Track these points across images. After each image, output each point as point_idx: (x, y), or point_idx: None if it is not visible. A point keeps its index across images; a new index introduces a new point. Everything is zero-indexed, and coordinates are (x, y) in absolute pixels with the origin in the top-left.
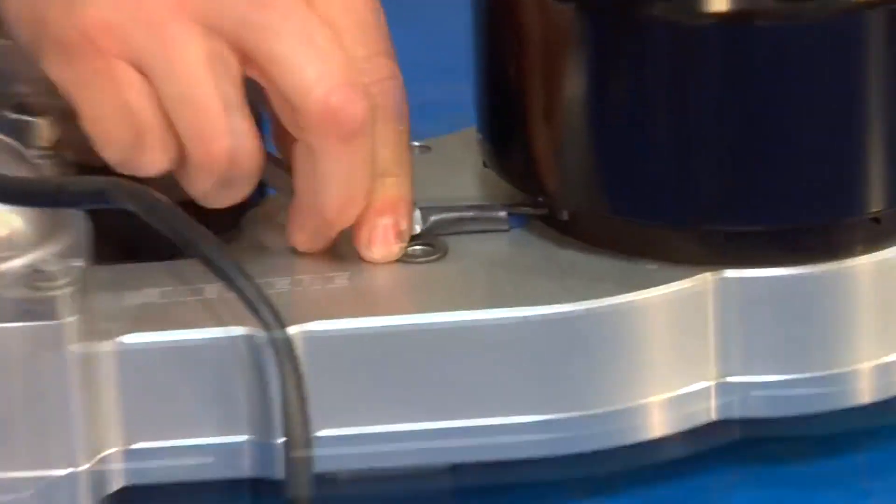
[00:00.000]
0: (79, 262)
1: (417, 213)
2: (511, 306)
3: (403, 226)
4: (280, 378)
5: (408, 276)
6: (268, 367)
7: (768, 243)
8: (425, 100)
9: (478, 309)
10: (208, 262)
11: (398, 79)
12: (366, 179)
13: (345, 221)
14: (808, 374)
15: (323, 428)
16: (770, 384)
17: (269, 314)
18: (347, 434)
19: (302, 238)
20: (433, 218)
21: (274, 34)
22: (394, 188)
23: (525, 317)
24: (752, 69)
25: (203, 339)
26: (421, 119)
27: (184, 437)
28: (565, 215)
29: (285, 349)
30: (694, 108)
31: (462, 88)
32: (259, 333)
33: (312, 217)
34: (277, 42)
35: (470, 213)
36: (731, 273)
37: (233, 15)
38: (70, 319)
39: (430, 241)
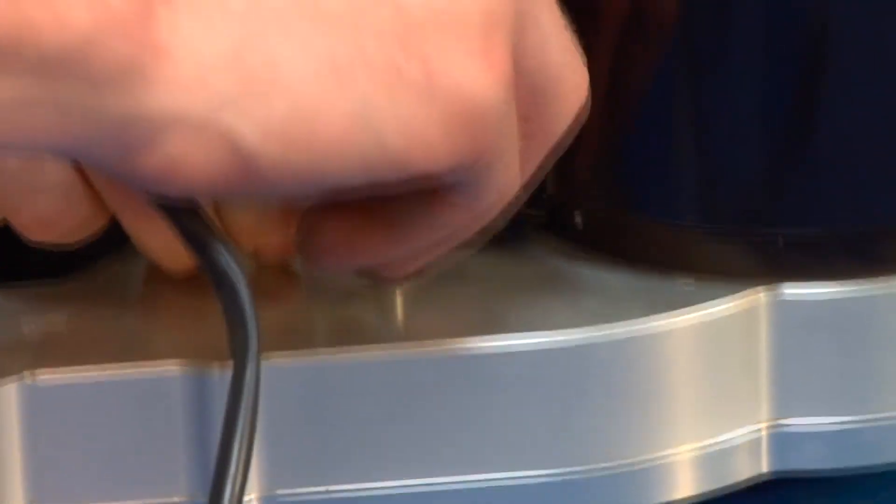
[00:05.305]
0: None
1: None
2: (506, 334)
3: None
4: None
5: (370, 299)
6: (216, 412)
7: (839, 252)
8: None
9: (462, 339)
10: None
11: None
12: None
13: None
14: (887, 416)
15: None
16: (837, 430)
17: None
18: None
19: None
20: None
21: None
22: None
23: (523, 345)
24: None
25: (129, 378)
26: None
27: (106, 502)
28: (577, 219)
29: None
30: (744, 74)
31: None
32: (206, 369)
33: None
34: None
35: None
36: (790, 290)
37: None
38: None
39: None
